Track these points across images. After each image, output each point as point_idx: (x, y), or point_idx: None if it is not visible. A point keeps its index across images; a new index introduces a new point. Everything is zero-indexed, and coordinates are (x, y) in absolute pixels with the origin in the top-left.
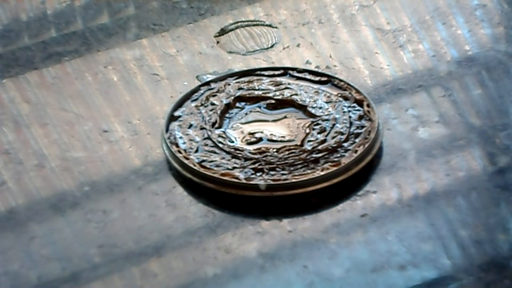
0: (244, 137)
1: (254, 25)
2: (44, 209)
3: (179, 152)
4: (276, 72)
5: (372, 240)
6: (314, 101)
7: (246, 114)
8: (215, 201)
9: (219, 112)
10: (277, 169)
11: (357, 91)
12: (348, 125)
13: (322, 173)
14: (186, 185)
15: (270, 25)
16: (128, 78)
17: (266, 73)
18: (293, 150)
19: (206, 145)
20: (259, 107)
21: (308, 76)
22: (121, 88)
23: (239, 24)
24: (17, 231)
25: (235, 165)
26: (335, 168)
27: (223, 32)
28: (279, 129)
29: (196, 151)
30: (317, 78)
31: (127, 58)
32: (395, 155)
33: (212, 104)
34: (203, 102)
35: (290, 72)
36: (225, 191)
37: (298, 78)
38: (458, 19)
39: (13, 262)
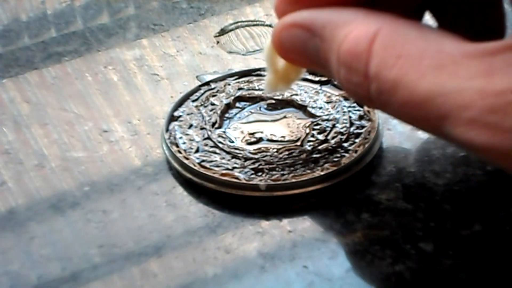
0: (244, 137)
1: (254, 25)
2: (44, 209)
3: (179, 152)
4: None
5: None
6: (314, 101)
7: (246, 114)
8: (215, 201)
9: (219, 112)
10: (277, 169)
11: None
12: (348, 125)
13: (322, 173)
14: (186, 185)
15: (270, 25)
16: (128, 78)
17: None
18: (293, 150)
19: (206, 145)
20: (259, 107)
21: (308, 76)
22: (121, 88)
23: (239, 24)
24: (17, 231)
25: (235, 165)
26: (335, 168)
27: (223, 32)
28: (279, 129)
29: (196, 151)
30: (317, 78)
31: (127, 58)
32: (395, 155)
33: (212, 104)
34: (203, 102)
35: None
36: (225, 191)
37: None
38: None
39: (13, 262)
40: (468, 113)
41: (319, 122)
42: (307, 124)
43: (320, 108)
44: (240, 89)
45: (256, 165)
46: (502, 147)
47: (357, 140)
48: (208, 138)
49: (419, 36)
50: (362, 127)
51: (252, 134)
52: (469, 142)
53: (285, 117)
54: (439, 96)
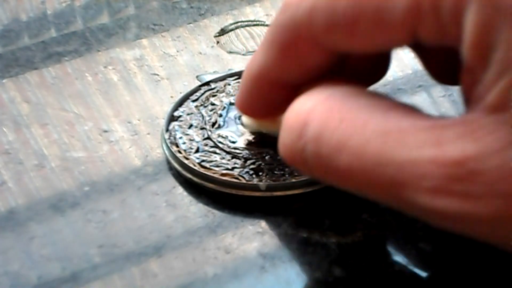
0: (244, 137)
1: (254, 25)
2: (44, 209)
3: (179, 152)
4: None
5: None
6: None
7: None
8: (215, 201)
9: (219, 112)
10: (277, 169)
11: None
12: None
13: None
14: (186, 185)
15: (266, 27)
16: (128, 78)
17: None
18: None
19: (206, 145)
20: None
21: None
22: (121, 88)
23: (239, 24)
24: (17, 231)
25: (235, 165)
26: None
27: (223, 32)
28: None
29: (196, 151)
30: None
31: (127, 58)
32: None
33: (212, 104)
34: (203, 102)
35: None
36: (225, 191)
37: None
38: None
39: (13, 262)
40: (428, 182)
41: None
42: None
43: None
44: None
45: (256, 165)
46: (478, 214)
47: None
48: (208, 138)
49: (368, 104)
50: None
51: (253, 134)
52: (438, 210)
53: None
54: (388, 164)
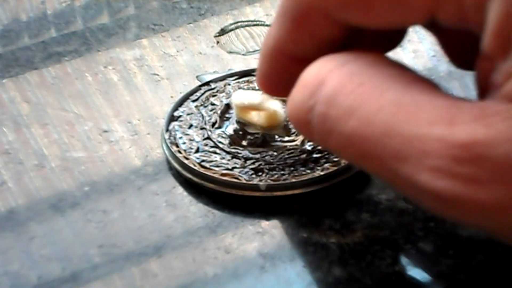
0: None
1: (254, 25)
2: (44, 209)
3: (179, 152)
4: None
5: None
6: None
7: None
8: (215, 201)
9: (219, 112)
10: (277, 169)
11: None
12: None
13: (322, 173)
14: (186, 185)
15: (270, 25)
16: (128, 78)
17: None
18: (293, 150)
19: (206, 145)
20: None
21: None
22: (121, 88)
23: (239, 24)
24: (17, 231)
25: (235, 165)
26: (335, 168)
27: (223, 32)
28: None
29: (196, 151)
30: None
31: (127, 58)
32: None
33: (212, 104)
34: (203, 102)
35: None
36: (225, 191)
37: None
38: None
39: (13, 262)
40: (432, 160)
41: None
42: None
43: None
44: (240, 89)
45: (256, 165)
46: (478, 199)
47: None
48: (208, 138)
49: (391, 74)
50: None
51: (252, 134)
52: (436, 191)
53: None
54: (396, 136)
